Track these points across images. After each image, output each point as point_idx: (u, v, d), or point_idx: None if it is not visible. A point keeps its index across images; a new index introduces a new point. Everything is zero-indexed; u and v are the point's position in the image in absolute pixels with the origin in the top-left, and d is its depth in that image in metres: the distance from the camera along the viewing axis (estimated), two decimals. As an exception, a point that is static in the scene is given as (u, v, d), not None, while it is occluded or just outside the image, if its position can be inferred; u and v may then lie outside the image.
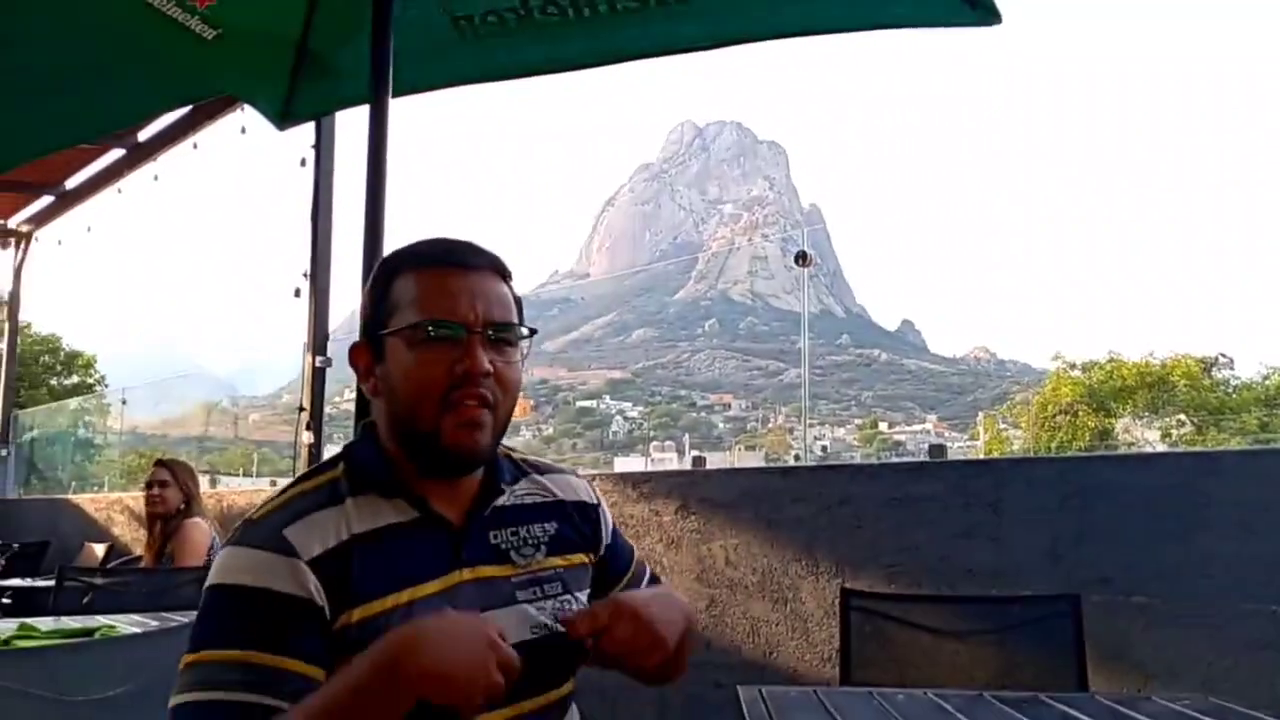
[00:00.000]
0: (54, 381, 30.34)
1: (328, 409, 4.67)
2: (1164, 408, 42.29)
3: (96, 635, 2.30)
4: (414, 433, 1.08)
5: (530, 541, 1.16)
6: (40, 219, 8.36)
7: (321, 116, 4.13)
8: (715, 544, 3.34)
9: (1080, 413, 40.81)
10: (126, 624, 2.48)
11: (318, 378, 4.46)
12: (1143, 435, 40.91)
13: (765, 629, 3.19)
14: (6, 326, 8.84)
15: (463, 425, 1.06)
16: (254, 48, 2.72)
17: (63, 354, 31.74)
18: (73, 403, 17.51)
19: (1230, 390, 44.19)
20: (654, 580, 1.33)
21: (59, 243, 8.35)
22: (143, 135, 6.41)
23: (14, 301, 8.79)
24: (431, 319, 1.07)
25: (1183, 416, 41.69)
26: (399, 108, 2.62)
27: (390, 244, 2.40)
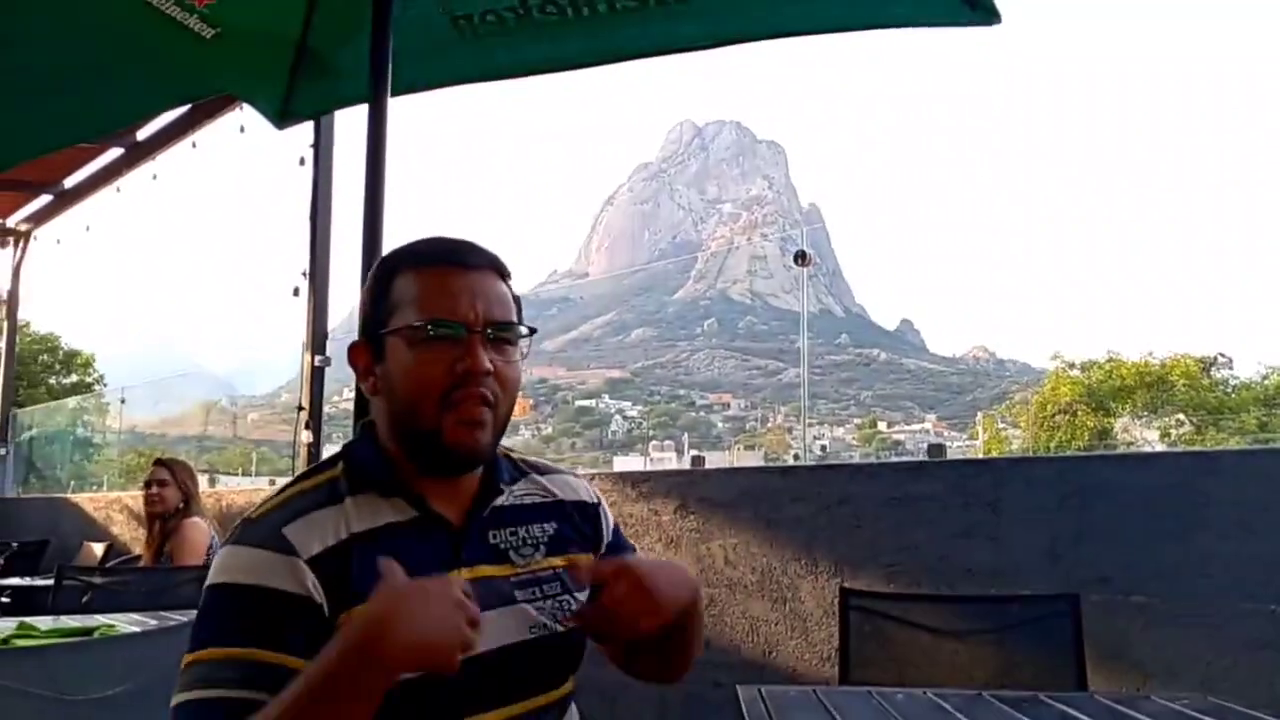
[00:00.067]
0: (53, 380, 30.32)
1: (327, 408, 4.67)
2: (1163, 407, 42.33)
3: (95, 634, 2.30)
4: (414, 432, 1.08)
5: (529, 541, 1.16)
6: (39, 218, 8.36)
7: (320, 116, 4.13)
8: (714, 543, 3.34)
9: (1079, 412, 40.84)
10: (125, 623, 2.48)
11: (316, 377, 4.46)
12: (1142, 435, 40.95)
13: (764, 628, 3.19)
14: (5, 325, 8.83)
15: (463, 424, 1.06)
16: (253, 47, 2.72)
17: (61, 353, 31.72)
18: (71, 402, 17.50)
19: (1229, 390, 44.24)
20: None
21: (58, 242, 8.35)
22: (141, 134, 6.40)
23: (13, 300, 8.78)
24: (432, 318, 1.07)
25: (1182, 416, 41.72)
26: (398, 107, 2.62)
27: (389, 243, 2.39)
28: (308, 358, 4.48)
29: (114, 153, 6.74)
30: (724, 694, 2.19)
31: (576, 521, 1.23)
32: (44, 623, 2.42)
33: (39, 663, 1.93)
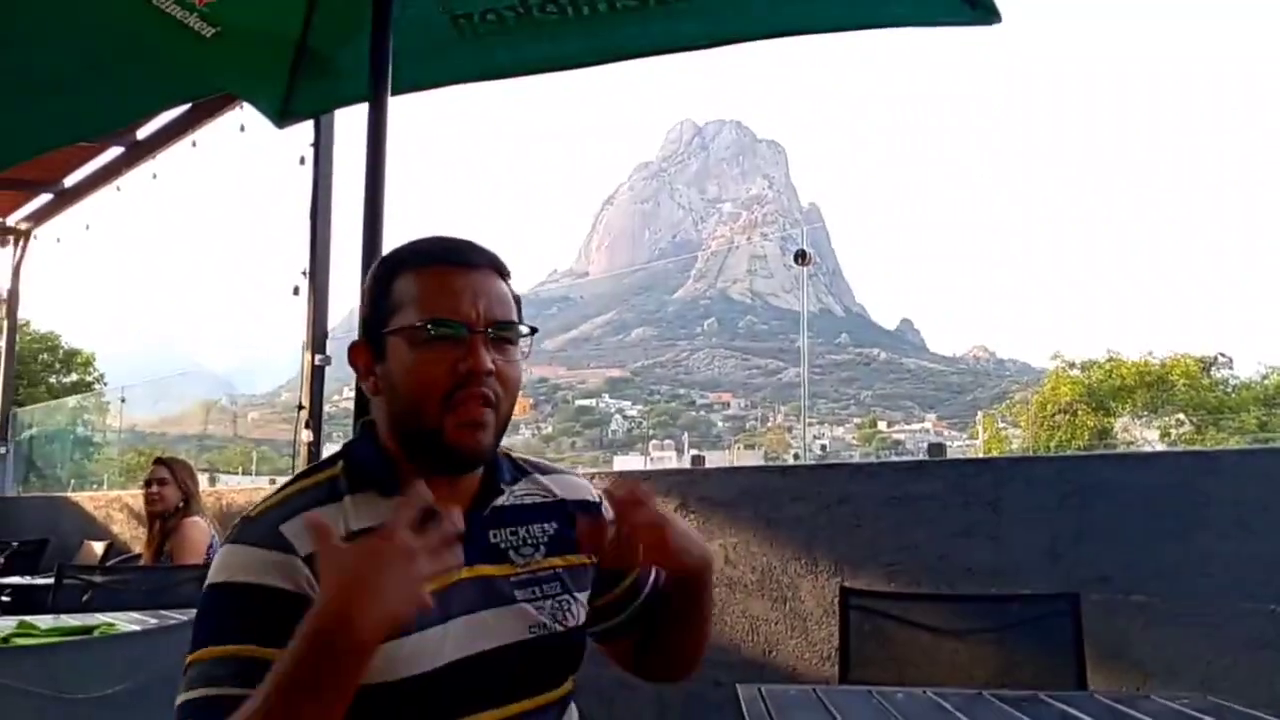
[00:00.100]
0: (53, 379, 30.33)
1: (327, 407, 4.67)
2: (1163, 407, 42.32)
3: (95, 633, 2.30)
4: (415, 432, 1.08)
5: (530, 541, 1.16)
6: (39, 217, 8.36)
7: (320, 115, 4.13)
8: (714, 542, 3.34)
9: (1079, 412, 40.83)
10: (126, 622, 2.48)
11: (317, 376, 4.46)
12: (1142, 434, 40.94)
13: (764, 627, 3.19)
14: (5, 324, 8.83)
15: (465, 425, 1.06)
16: (253, 46, 2.72)
17: (61, 352, 31.72)
18: (71, 401, 17.51)
19: (1229, 389, 44.23)
20: (658, 582, 1.33)
21: (58, 240, 8.36)
22: (141, 133, 6.40)
23: (13, 299, 8.78)
24: (434, 318, 1.07)
25: (1182, 416, 41.71)
26: (398, 106, 2.62)
27: (389, 242, 2.39)
28: (308, 357, 4.48)
29: (114, 151, 6.75)
30: (724, 693, 2.19)
31: (577, 519, 1.22)
32: (44, 621, 2.42)
33: (39, 661, 1.93)
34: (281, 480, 1.35)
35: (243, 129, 4.90)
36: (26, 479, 10.22)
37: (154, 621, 2.53)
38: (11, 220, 8.45)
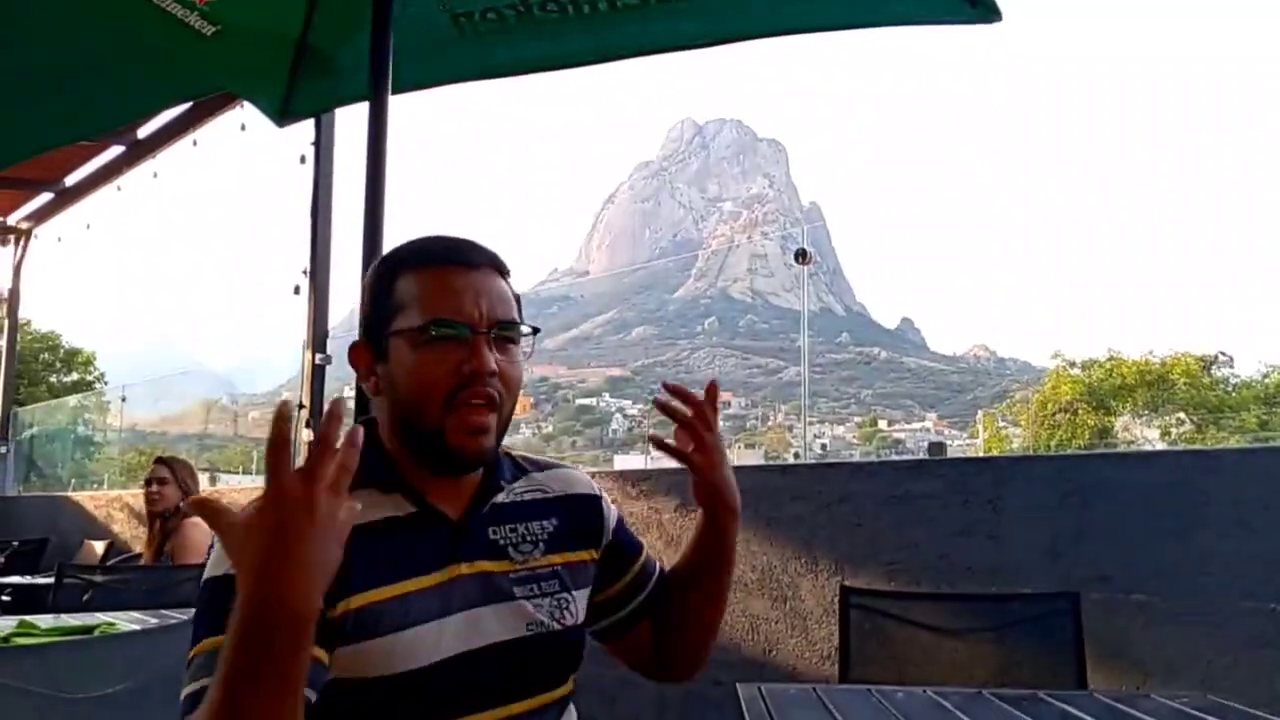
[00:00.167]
0: (53, 379, 30.36)
1: (327, 407, 4.67)
2: (1163, 406, 42.32)
3: (96, 633, 2.30)
4: (417, 432, 1.08)
5: (529, 538, 1.16)
6: (40, 216, 8.35)
7: (321, 114, 4.13)
8: (715, 542, 3.33)
9: (1080, 411, 40.83)
10: (126, 621, 2.49)
11: (317, 375, 4.46)
12: (1142, 433, 40.95)
13: (764, 626, 3.19)
14: (6, 324, 8.83)
15: (468, 432, 1.06)
16: (254, 45, 2.72)
17: (62, 351, 31.77)
18: (72, 400, 17.53)
19: (1230, 388, 44.21)
20: (663, 576, 1.33)
21: (58, 240, 8.35)
22: (142, 132, 6.40)
23: (13, 299, 8.77)
24: (436, 319, 1.06)
25: (1182, 415, 41.71)
26: (398, 105, 2.62)
27: (390, 241, 2.39)
28: (308, 356, 4.48)
29: (114, 150, 6.74)
30: (724, 692, 2.19)
31: (577, 516, 1.22)
32: (44, 621, 2.43)
33: (39, 661, 1.93)
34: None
35: (243, 128, 4.90)
36: (27, 478, 10.22)
37: (154, 621, 2.53)
38: (12, 219, 8.45)
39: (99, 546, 6.27)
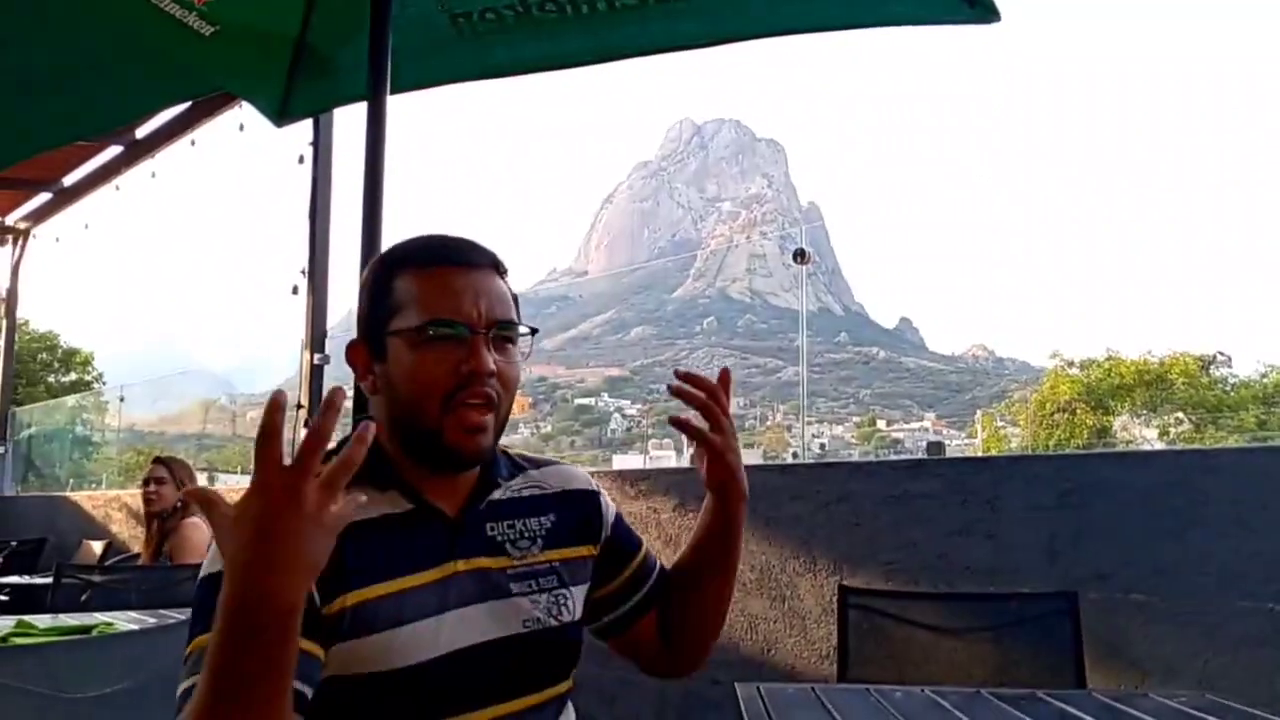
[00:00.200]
0: (51, 379, 30.34)
1: (325, 396, 4.66)
2: (1162, 406, 42.36)
3: (94, 632, 2.30)
4: (415, 431, 1.08)
5: (526, 535, 1.16)
6: (38, 216, 8.34)
7: (319, 114, 4.13)
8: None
9: (1078, 410, 40.87)
10: (124, 621, 2.48)
11: (316, 375, 4.45)
12: (1141, 433, 40.99)
13: (763, 626, 3.19)
14: (4, 324, 8.81)
15: (466, 430, 1.06)
16: (252, 45, 2.72)
17: (60, 351, 31.74)
18: (70, 400, 17.52)
19: (1228, 388, 44.25)
20: (663, 572, 1.33)
21: (57, 240, 8.34)
22: (140, 132, 6.39)
23: (11, 299, 8.76)
24: (435, 319, 1.06)
25: (1181, 414, 41.75)
26: (397, 105, 2.62)
27: (388, 241, 2.39)
28: (307, 356, 4.47)
29: (113, 150, 6.73)
30: (722, 691, 2.19)
31: (575, 512, 1.22)
32: (43, 621, 2.42)
33: (38, 660, 1.93)
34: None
35: (242, 128, 4.90)
36: (25, 478, 10.21)
37: (153, 621, 2.53)
38: (10, 219, 8.44)
39: (97, 546, 6.26)
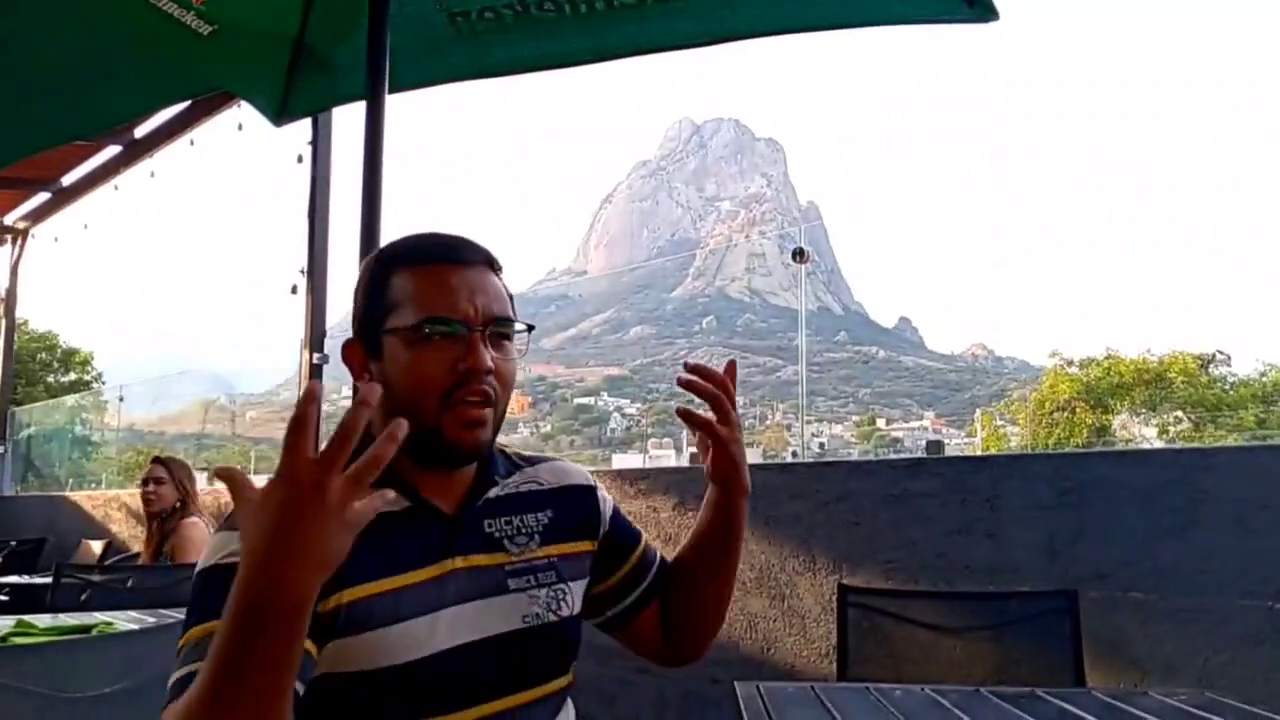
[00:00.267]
0: (51, 378, 30.33)
1: (325, 406, 4.65)
2: (1161, 404, 42.40)
3: (94, 632, 2.30)
4: (414, 429, 1.08)
5: (524, 531, 1.16)
6: (37, 216, 8.34)
7: (318, 113, 4.13)
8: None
9: (1078, 409, 40.91)
10: (124, 621, 2.48)
11: (315, 374, 4.46)
12: (1140, 432, 41.03)
13: (763, 625, 3.19)
14: (3, 324, 8.80)
15: (465, 425, 1.06)
16: (250, 44, 2.72)
17: (60, 351, 31.73)
18: (70, 399, 17.51)
19: (1227, 387, 44.31)
20: (664, 564, 1.33)
21: (55, 240, 8.34)
22: (139, 131, 6.39)
23: (10, 298, 8.76)
24: (431, 317, 1.06)
25: (1180, 413, 41.78)
26: (395, 104, 2.62)
27: (386, 240, 2.39)
28: (306, 355, 4.47)
29: (112, 150, 6.73)
30: (722, 690, 2.19)
31: (573, 507, 1.22)
32: (42, 620, 2.42)
33: (37, 660, 1.93)
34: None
35: (240, 127, 4.91)
36: (25, 478, 10.21)
37: (152, 620, 2.53)
38: (9, 219, 8.43)
39: (97, 546, 6.26)
